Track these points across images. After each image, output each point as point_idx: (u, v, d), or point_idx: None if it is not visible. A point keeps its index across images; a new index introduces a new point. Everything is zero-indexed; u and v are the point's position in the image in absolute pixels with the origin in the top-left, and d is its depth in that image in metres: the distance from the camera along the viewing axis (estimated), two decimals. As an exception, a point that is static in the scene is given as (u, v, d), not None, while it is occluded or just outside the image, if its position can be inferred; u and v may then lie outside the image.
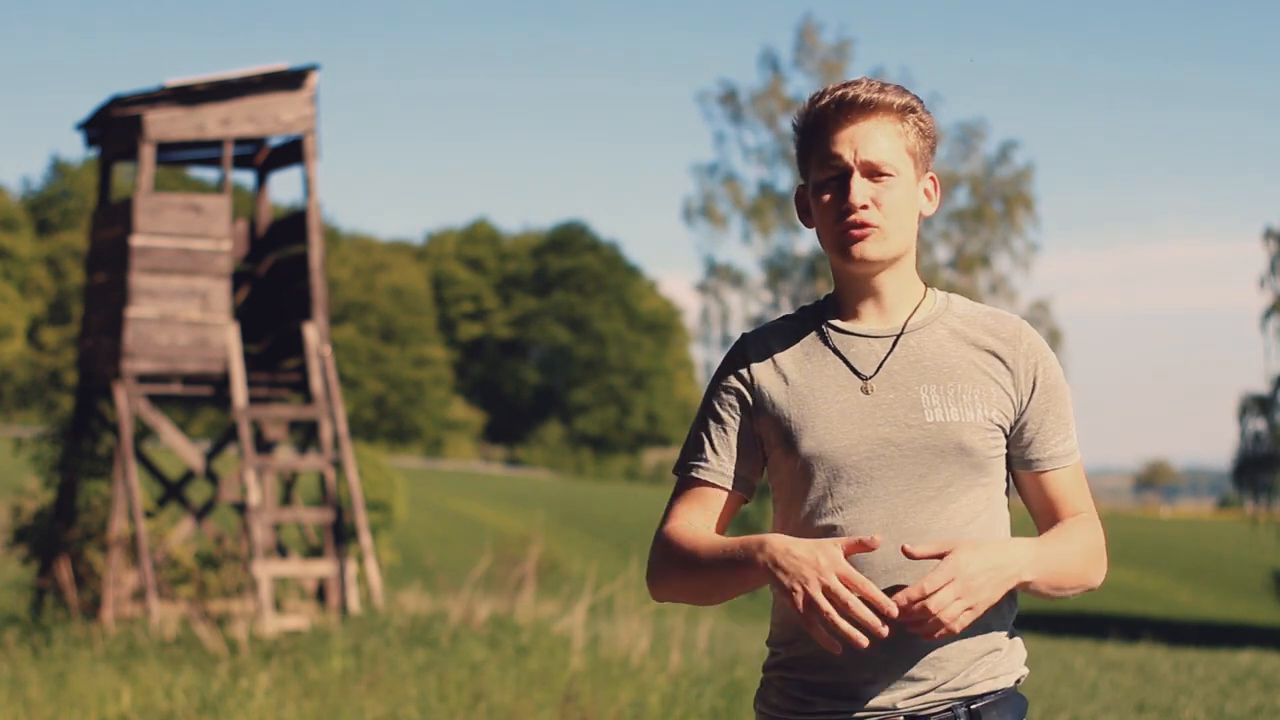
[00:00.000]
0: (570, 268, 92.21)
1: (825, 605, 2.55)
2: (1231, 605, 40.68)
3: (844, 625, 2.55)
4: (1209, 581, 45.66)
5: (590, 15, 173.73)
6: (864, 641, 2.56)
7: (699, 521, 2.81)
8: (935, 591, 2.56)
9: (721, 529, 2.85)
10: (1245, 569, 45.35)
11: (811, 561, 2.57)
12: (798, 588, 2.57)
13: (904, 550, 2.59)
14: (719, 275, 40.07)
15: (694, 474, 2.83)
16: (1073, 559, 2.73)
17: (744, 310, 40.66)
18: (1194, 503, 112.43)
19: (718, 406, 2.83)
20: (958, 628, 2.58)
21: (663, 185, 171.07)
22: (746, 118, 39.42)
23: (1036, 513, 2.84)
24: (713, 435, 2.82)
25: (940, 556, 2.59)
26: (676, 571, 2.77)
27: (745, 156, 39.65)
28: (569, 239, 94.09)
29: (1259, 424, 33.54)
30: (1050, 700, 10.29)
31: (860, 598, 2.57)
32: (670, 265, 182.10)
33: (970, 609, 2.58)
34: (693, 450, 2.84)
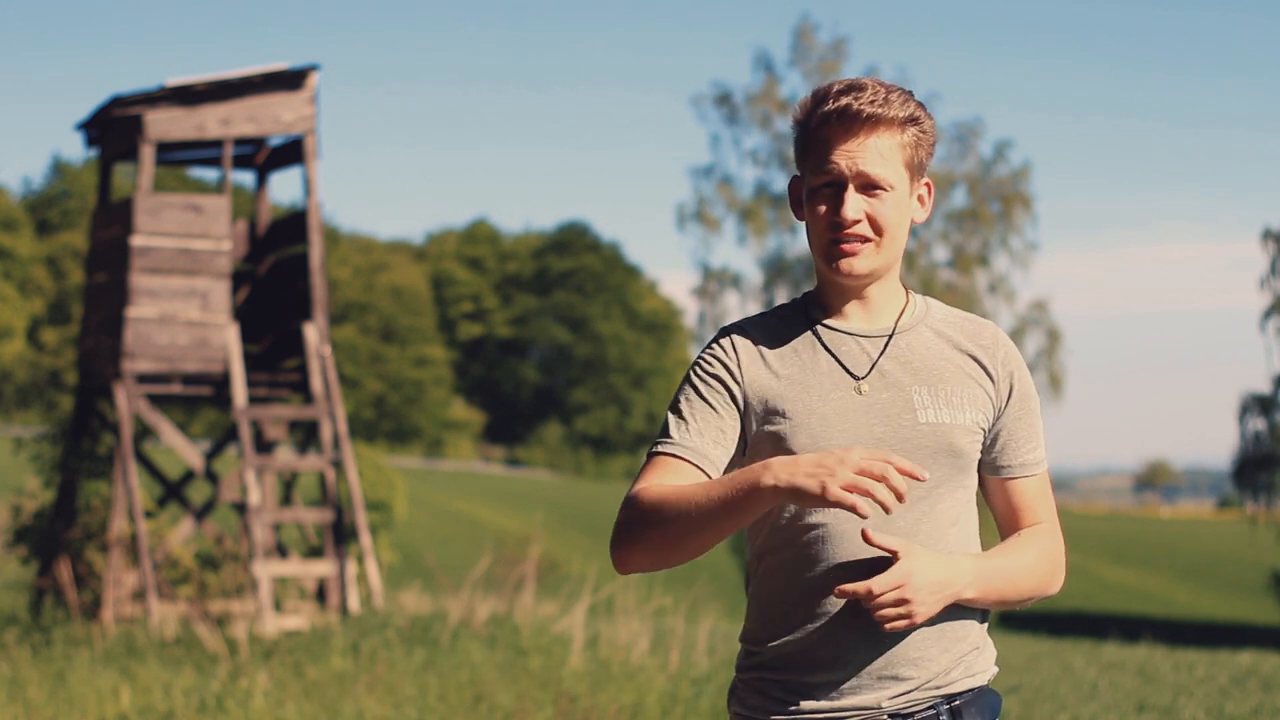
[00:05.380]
0: (570, 268, 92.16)
1: (864, 484, 2.44)
2: (1231, 605, 40.67)
3: (882, 493, 2.45)
4: (1209, 581, 45.65)
5: (594, 16, 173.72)
6: (904, 490, 2.47)
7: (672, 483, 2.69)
8: (881, 594, 2.56)
9: None
10: (1245, 569, 45.34)
11: (826, 454, 2.48)
12: (827, 477, 2.46)
13: (864, 535, 2.57)
14: (716, 278, 39.97)
15: (667, 450, 2.71)
16: (1021, 573, 2.75)
17: (742, 311, 40.54)
18: (1194, 503, 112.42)
19: (698, 392, 2.75)
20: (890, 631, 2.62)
21: (663, 187, 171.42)
22: (742, 119, 39.30)
23: (1000, 518, 2.86)
24: (690, 417, 2.73)
25: (895, 554, 2.58)
26: (649, 527, 2.62)
27: (741, 159, 39.56)
28: (570, 239, 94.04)
29: (1259, 424, 33.58)
30: (1050, 700, 10.28)
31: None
32: (670, 266, 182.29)
33: (908, 619, 2.59)
34: (668, 430, 2.74)
